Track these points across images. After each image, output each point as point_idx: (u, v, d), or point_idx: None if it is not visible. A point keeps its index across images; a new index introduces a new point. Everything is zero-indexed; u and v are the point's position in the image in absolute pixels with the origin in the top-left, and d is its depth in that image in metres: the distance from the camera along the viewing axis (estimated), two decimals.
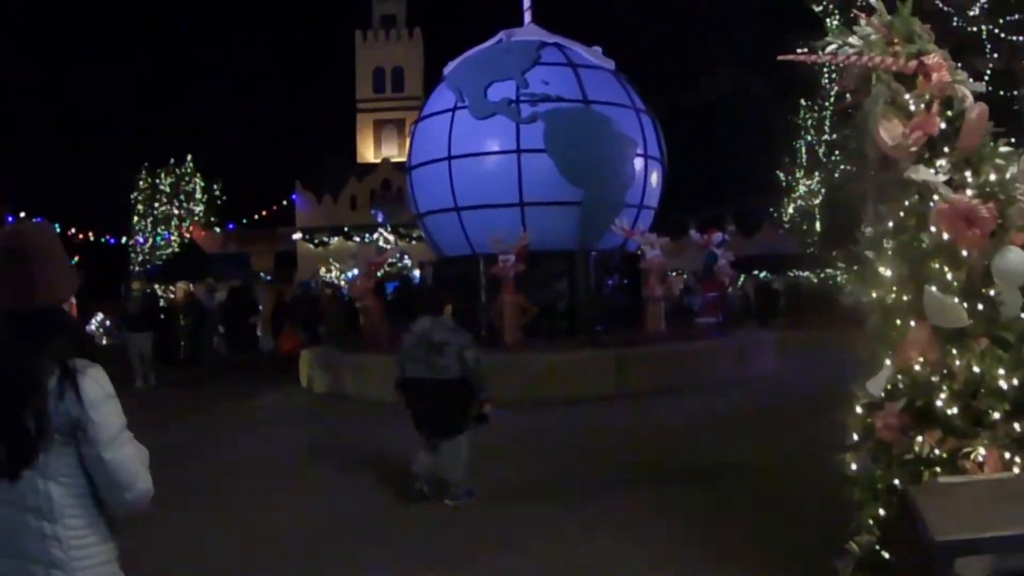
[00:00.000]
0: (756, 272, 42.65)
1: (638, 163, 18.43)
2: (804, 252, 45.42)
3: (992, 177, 4.57)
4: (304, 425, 13.53)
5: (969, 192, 4.52)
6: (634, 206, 18.47)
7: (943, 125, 4.69)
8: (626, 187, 18.15)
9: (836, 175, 41.80)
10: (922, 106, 4.74)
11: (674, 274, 34.04)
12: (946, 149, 4.69)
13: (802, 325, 32.17)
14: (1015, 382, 4.37)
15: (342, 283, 37.83)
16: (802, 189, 46.78)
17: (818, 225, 45.95)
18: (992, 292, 4.46)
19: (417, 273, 36.24)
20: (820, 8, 40.15)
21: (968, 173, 4.61)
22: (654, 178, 19.11)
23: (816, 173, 45.42)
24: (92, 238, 46.19)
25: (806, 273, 43.90)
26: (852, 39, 5.07)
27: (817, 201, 45.62)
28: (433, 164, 18.40)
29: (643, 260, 17.37)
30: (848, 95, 5.40)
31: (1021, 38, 23.47)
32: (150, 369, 19.36)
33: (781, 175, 48.02)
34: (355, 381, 16.17)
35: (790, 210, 48.16)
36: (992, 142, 4.75)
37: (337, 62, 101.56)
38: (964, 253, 4.48)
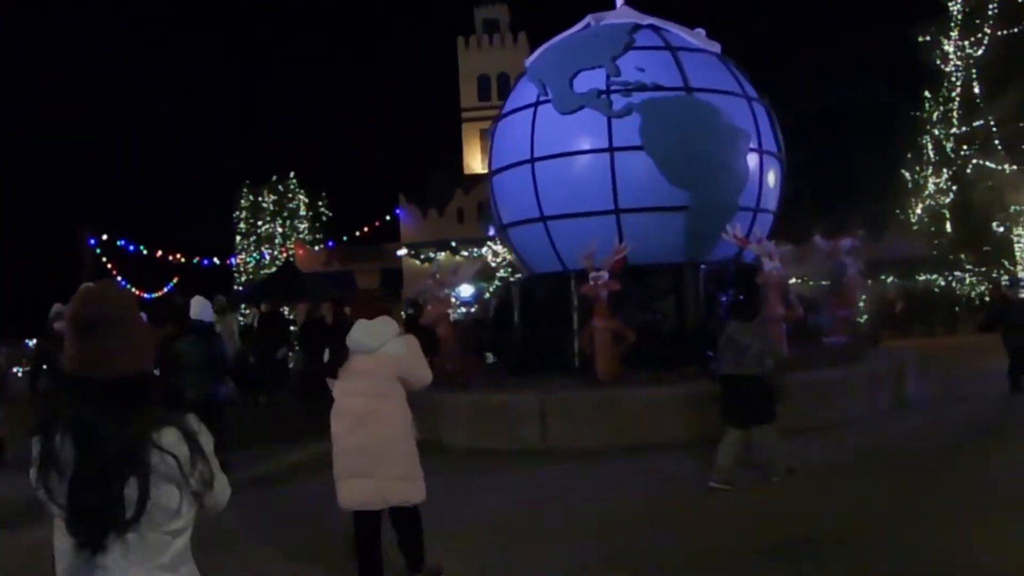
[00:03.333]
0: (883, 277, 40.04)
1: (752, 159, 15.83)
2: (933, 254, 42.42)
3: None
4: None
5: None
6: (749, 209, 15.93)
7: None
8: (739, 188, 15.59)
9: (968, 171, 38.62)
10: None
11: (798, 281, 31.40)
12: None
13: (935, 332, 32.85)
14: None
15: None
16: (930, 187, 43.53)
17: (948, 226, 42.72)
18: None
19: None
20: None
21: None
22: (771, 177, 16.49)
23: (945, 170, 42.20)
24: (184, 260, 45.08)
25: (935, 277, 41.30)
26: None
27: (947, 200, 42.34)
28: (515, 168, 16.18)
29: (761, 273, 14.77)
30: None
31: None
32: None
33: (907, 174, 44.97)
34: (425, 423, 13.96)
35: (918, 211, 44.94)
36: None
37: (440, 70, 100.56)
38: None
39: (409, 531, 6.57)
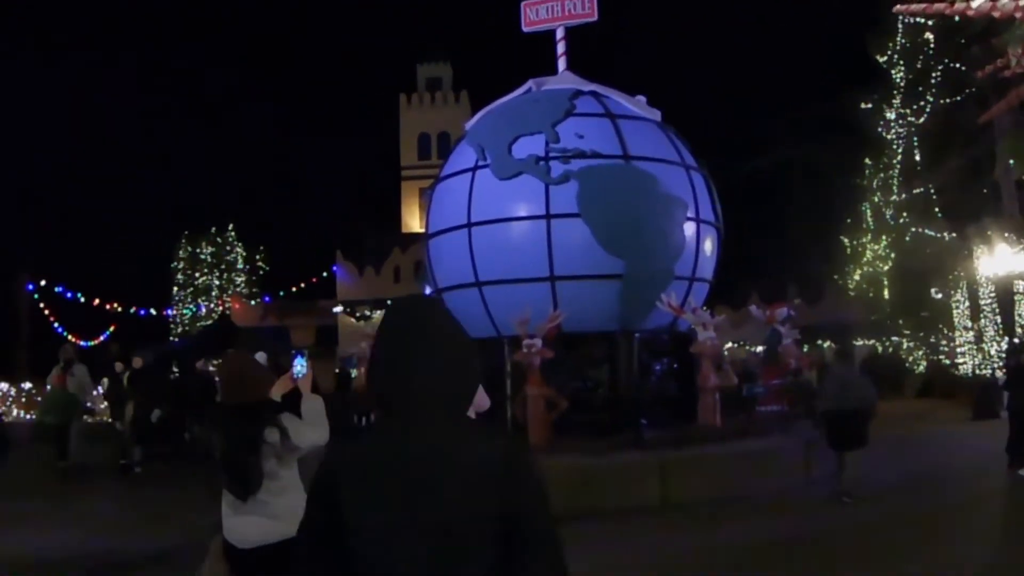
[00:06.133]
0: (820, 342, 40.32)
1: (689, 228, 15.86)
2: (870, 320, 42.67)
3: None
4: None
5: None
6: (685, 279, 15.92)
7: None
8: (675, 257, 15.57)
9: (907, 238, 39.00)
10: None
11: (735, 345, 31.48)
12: None
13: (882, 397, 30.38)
14: None
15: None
16: (868, 254, 43.89)
17: (886, 292, 43.04)
18: None
19: None
20: (884, 59, 37.86)
21: None
22: (708, 245, 16.54)
23: (883, 237, 42.59)
24: (120, 309, 44.40)
25: (872, 342, 41.54)
26: None
27: (885, 267, 42.71)
28: (451, 232, 16.07)
29: (695, 343, 14.77)
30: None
31: None
32: None
33: (845, 240, 45.35)
34: None
35: (855, 277, 45.29)
36: None
37: (382, 127, 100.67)
38: None
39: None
